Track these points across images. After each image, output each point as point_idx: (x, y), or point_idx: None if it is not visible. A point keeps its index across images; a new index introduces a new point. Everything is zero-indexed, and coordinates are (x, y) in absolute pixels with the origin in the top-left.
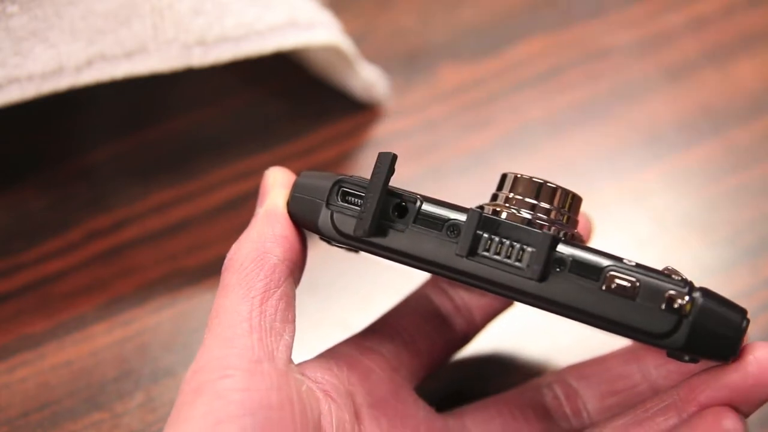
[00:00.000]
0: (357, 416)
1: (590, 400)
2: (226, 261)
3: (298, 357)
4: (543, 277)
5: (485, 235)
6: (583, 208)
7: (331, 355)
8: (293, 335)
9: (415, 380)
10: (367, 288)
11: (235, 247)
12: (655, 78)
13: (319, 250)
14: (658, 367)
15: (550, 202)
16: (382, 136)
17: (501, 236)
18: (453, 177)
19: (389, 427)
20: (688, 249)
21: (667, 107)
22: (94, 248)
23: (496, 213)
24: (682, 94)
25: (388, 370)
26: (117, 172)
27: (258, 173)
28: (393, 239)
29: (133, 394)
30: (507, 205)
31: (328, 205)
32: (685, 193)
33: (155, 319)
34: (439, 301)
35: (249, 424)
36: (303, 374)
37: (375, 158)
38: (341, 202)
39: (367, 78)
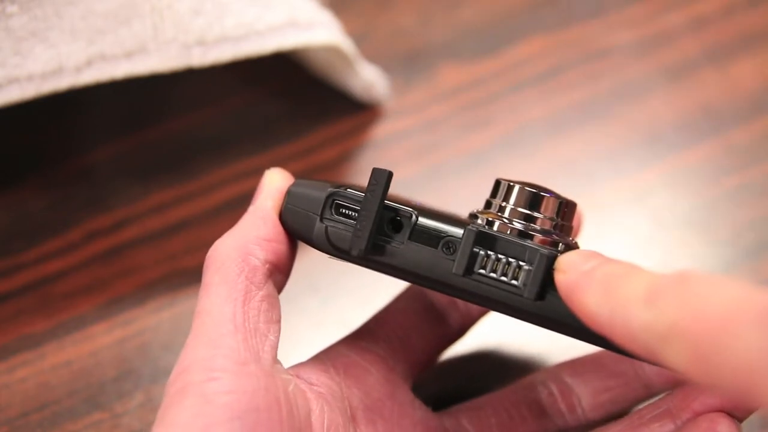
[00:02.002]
0: (353, 419)
1: (584, 396)
2: (207, 258)
3: (298, 357)
4: (540, 297)
5: (481, 252)
6: (584, 208)
7: (327, 356)
8: (278, 335)
9: (410, 378)
10: (368, 288)
11: (217, 244)
12: (655, 78)
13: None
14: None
15: (544, 212)
16: (382, 136)
17: (497, 252)
18: (453, 177)
19: (385, 429)
20: (688, 249)
21: (667, 107)
22: (94, 248)
23: (489, 223)
24: (682, 94)
25: (384, 371)
26: (117, 172)
27: (258, 173)
28: (389, 256)
29: (133, 394)
30: (500, 214)
31: (322, 218)
32: (685, 193)
33: (155, 319)
34: (434, 295)
35: (237, 428)
36: (297, 376)
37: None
38: (336, 216)
39: (367, 78)
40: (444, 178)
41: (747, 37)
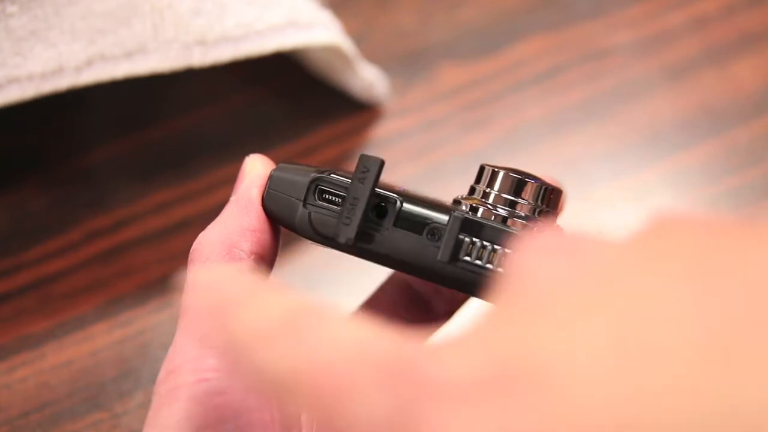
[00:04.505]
0: None
1: None
2: (191, 251)
3: None
4: None
5: (466, 239)
6: (584, 208)
7: None
8: None
9: None
10: (369, 286)
11: (200, 237)
12: (655, 78)
13: (320, 249)
14: None
15: (528, 198)
16: (382, 136)
17: (483, 239)
18: (453, 177)
19: None
20: None
21: (668, 107)
22: (94, 248)
23: (473, 209)
24: (682, 94)
25: None
26: (117, 172)
27: None
28: (373, 243)
29: (133, 394)
30: (484, 200)
31: (305, 204)
32: (685, 193)
33: (155, 319)
34: (419, 284)
35: (231, 430)
36: None
37: None
38: (319, 201)
39: (367, 78)
40: (444, 178)
41: (747, 37)
